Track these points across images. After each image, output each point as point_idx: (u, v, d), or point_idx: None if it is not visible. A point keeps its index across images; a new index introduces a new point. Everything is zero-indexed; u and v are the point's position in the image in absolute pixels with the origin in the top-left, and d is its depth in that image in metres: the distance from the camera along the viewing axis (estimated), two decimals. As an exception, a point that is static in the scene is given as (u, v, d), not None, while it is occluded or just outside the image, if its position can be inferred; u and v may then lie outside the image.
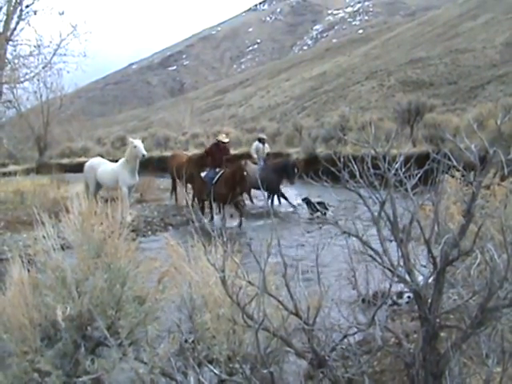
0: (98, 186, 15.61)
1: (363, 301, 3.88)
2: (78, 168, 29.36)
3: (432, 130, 23.71)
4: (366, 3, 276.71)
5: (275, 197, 17.38)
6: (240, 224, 13.91)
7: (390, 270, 3.39)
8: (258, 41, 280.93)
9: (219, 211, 14.56)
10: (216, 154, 14.98)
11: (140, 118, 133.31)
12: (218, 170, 14.57)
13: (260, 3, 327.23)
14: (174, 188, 17.78)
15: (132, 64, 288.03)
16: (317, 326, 3.48)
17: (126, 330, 3.88)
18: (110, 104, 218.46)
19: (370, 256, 3.50)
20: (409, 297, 6.43)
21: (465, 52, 73.31)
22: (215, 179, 14.34)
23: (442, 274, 3.30)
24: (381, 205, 3.53)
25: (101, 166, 15.50)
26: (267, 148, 18.88)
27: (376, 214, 3.56)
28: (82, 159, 35.40)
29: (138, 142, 14.32)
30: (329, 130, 30.04)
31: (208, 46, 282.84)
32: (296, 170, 16.40)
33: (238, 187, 13.92)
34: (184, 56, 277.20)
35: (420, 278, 3.48)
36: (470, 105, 40.88)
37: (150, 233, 13.62)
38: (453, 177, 5.73)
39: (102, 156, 18.85)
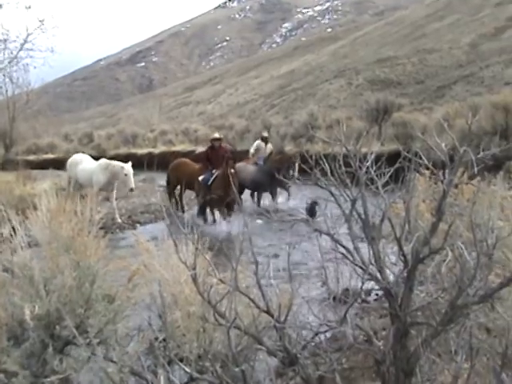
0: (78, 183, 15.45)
1: (334, 298, 3.90)
2: (45, 164, 29.05)
3: (400, 129, 23.91)
4: (335, 2, 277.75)
5: (261, 195, 16.80)
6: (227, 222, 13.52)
7: (361, 267, 3.40)
8: (227, 38, 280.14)
9: (213, 212, 14.38)
10: (213, 155, 14.56)
11: (108, 114, 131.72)
12: (213, 171, 14.20)
13: (229, 0, 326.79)
14: (180, 196, 16.37)
15: (100, 60, 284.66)
16: (288, 324, 3.48)
17: (95, 329, 3.84)
18: (78, 100, 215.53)
19: (342, 254, 3.51)
20: (377, 294, 6.48)
21: (432, 52, 74.00)
22: (210, 181, 14.08)
23: (412, 271, 3.32)
24: (352, 203, 3.54)
25: (81, 164, 15.34)
26: (270, 148, 18.29)
27: (347, 211, 3.57)
28: (49, 156, 34.99)
29: (129, 172, 14.16)
30: (297, 128, 30.17)
31: (177, 42, 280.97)
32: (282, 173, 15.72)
33: (228, 188, 13.22)
34: (153, 52, 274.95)
35: (391, 276, 3.50)
36: (437, 104, 41.18)
37: (117, 230, 13.52)
38: (421, 175, 5.78)
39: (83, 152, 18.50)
